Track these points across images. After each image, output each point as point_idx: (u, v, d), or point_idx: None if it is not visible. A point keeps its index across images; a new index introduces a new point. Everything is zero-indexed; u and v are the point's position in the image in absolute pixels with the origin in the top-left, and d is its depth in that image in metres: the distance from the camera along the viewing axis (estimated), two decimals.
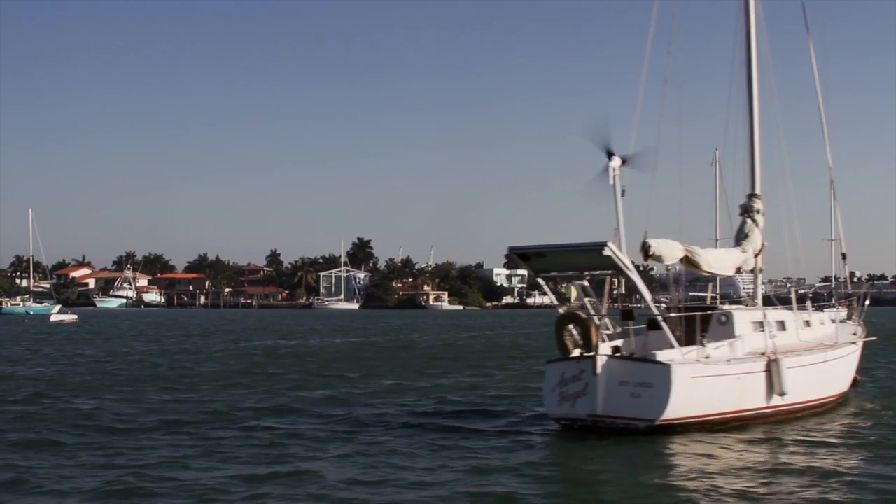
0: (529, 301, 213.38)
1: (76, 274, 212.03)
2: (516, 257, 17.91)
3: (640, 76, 19.14)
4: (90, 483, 13.27)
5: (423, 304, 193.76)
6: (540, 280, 18.35)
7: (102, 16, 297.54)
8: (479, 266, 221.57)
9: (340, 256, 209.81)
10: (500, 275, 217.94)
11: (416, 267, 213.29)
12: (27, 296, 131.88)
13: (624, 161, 17.12)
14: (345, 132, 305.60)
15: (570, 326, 17.71)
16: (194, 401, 22.97)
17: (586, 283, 18.29)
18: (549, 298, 19.41)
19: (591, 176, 16.97)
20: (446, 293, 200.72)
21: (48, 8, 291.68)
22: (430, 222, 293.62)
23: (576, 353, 17.66)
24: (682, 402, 16.90)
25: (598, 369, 16.95)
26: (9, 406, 21.86)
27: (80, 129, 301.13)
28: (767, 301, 21.69)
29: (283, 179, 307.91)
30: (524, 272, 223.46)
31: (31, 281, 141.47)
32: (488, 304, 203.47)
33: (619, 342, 18.31)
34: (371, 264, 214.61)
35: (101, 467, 14.39)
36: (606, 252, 16.55)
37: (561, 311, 18.07)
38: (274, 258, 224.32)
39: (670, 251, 18.52)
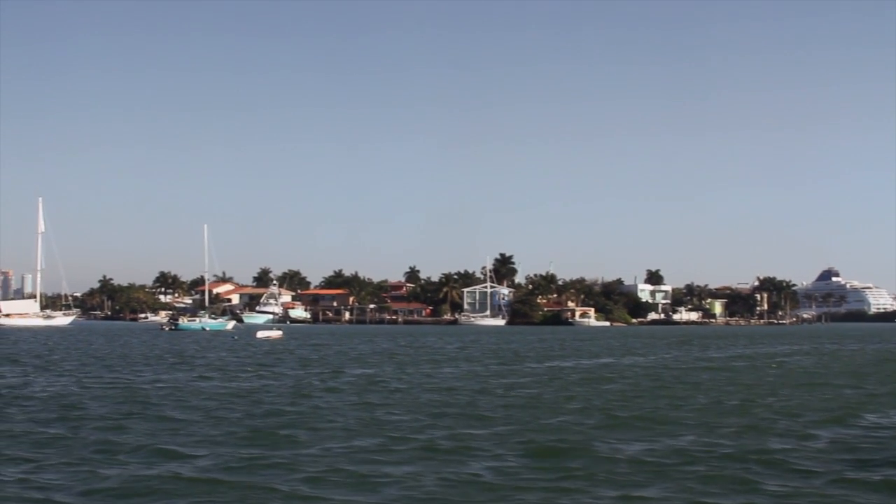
0: (675, 317, 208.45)
1: (219, 290, 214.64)
2: None
3: None
4: None
5: (570, 320, 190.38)
6: None
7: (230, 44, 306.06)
8: (620, 282, 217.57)
9: (475, 272, 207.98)
10: (643, 290, 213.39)
11: (561, 281, 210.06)
12: (203, 312, 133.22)
13: None
14: (456, 154, 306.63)
15: None
16: None
17: None
18: None
19: None
20: (592, 309, 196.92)
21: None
22: (548, 236, 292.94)
23: None
24: None
25: None
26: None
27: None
28: None
29: (416, 196, 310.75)
30: (667, 288, 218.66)
31: (207, 297, 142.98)
32: (633, 320, 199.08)
33: None
34: (512, 280, 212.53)
35: None
36: None
37: None
38: (412, 274, 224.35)
39: None
